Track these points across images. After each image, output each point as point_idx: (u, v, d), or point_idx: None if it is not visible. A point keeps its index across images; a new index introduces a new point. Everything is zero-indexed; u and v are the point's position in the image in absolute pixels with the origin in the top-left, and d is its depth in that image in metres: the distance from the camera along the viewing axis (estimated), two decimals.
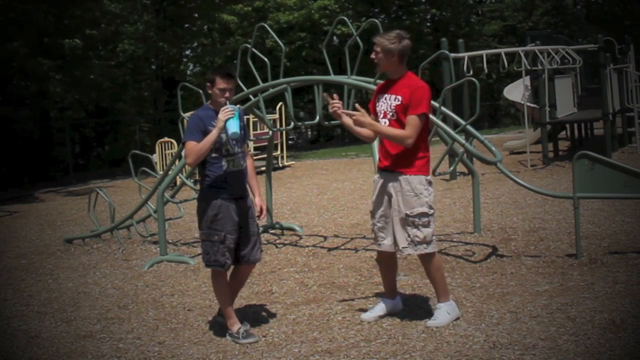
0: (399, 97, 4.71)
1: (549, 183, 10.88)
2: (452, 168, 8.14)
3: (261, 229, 8.32)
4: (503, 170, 6.39)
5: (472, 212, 7.74)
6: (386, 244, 4.90)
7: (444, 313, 4.80)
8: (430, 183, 4.80)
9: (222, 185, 4.81)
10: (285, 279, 6.37)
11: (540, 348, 4.18)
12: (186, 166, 8.30)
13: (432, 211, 4.77)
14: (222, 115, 4.70)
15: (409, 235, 4.73)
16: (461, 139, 6.59)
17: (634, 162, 11.64)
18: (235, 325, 4.83)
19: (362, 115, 4.72)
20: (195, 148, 4.71)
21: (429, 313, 5.01)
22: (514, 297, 5.24)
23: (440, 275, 4.88)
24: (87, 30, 19.18)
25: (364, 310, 5.15)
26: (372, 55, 4.79)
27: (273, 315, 5.29)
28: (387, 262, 5.07)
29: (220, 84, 4.77)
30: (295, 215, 9.77)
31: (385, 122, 4.78)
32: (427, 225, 4.73)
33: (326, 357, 4.35)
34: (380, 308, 5.05)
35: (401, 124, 4.70)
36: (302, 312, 5.31)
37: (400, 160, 4.75)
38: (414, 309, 5.15)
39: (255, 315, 5.32)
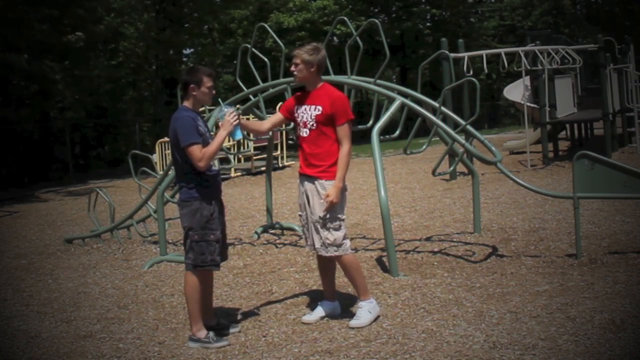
0: (319, 108, 4.89)
1: (549, 183, 10.88)
2: (452, 168, 8.15)
3: (261, 229, 8.34)
4: (503, 170, 6.39)
5: (472, 212, 7.74)
6: (311, 245, 5.05)
7: (365, 312, 4.94)
8: (344, 189, 4.94)
9: (212, 185, 4.85)
10: (285, 279, 6.37)
11: (540, 348, 4.18)
12: None
13: (343, 216, 4.93)
14: (231, 119, 4.82)
15: (321, 237, 4.90)
16: (461, 139, 6.59)
17: (634, 162, 11.65)
18: (203, 331, 4.77)
19: (329, 196, 4.79)
20: (209, 151, 4.73)
21: (429, 313, 5.01)
22: (514, 297, 5.24)
23: (358, 275, 5.02)
24: (90, 25, 19.17)
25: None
26: (292, 68, 4.99)
27: (273, 315, 5.29)
28: (323, 264, 5.16)
29: (208, 82, 4.84)
30: (295, 215, 9.76)
31: (305, 132, 4.93)
32: (338, 229, 4.89)
33: (326, 357, 4.35)
34: (320, 310, 5.14)
35: (321, 133, 4.88)
36: (302, 312, 5.31)
37: (317, 166, 4.90)
38: (414, 308, 5.15)
39: (255, 315, 5.32)
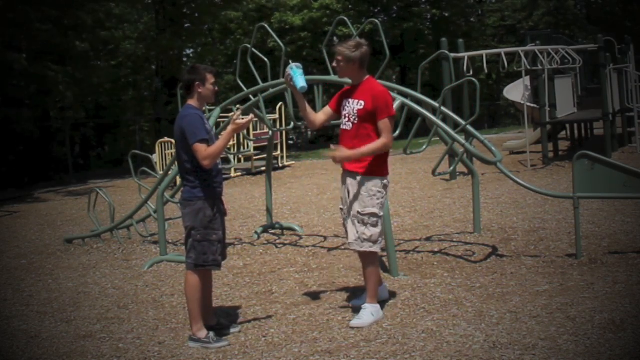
0: (362, 102, 4.98)
1: (549, 183, 10.88)
2: (452, 168, 8.13)
3: (261, 229, 8.34)
4: (503, 170, 6.39)
5: (472, 212, 7.74)
6: None
7: (368, 314, 4.97)
8: (385, 186, 5.05)
9: (215, 184, 4.85)
10: (285, 279, 6.37)
11: (540, 348, 4.18)
12: None
13: (381, 213, 5.03)
14: (240, 119, 4.83)
15: (357, 232, 4.98)
16: (461, 139, 6.59)
17: (634, 162, 11.64)
18: (203, 331, 4.76)
19: (339, 151, 4.98)
20: (214, 150, 4.73)
21: (429, 313, 5.01)
22: (514, 297, 5.24)
23: (375, 277, 5.08)
24: (97, 30, 19.20)
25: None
26: (334, 64, 5.12)
27: (273, 315, 5.29)
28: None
29: (212, 79, 4.90)
30: (295, 215, 9.77)
31: (348, 125, 5.03)
32: (375, 225, 4.99)
33: (326, 357, 4.35)
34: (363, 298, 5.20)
35: (361, 128, 4.96)
36: (302, 312, 5.31)
37: (358, 162, 4.98)
38: (414, 309, 5.15)
39: (255, 315, 5.32)
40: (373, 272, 5.05)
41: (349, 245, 5.10)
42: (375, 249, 5.01)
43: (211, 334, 4.75)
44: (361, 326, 4.85)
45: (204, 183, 4.79)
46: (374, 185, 4.97)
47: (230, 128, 4.86)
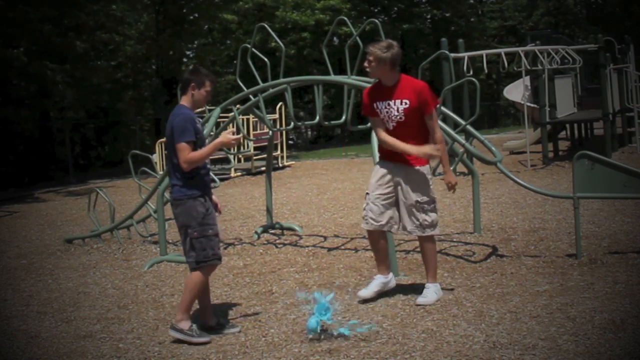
0: (406, 101, 5.11)
1: (549, 183, 10.88)
2: (452, 168, 8.13)
3: (261, 229, 8.34)
4: (503, 170, 6.39)
5: (472, 212, 7.74)
6: (381, 221, 5.25)
7: (432, 293, 5.25)
8: (429, 172, 5.36)
9: (203, 182, 4.87)
10: (285, 279, 6.37)
11: (540, 348, 4.18)
12: None
13: (435, 197, 5.31)
14: (224, 139, 4.88)
15: (417, 219, 5.21)
16: (461, 139, 6.59)
17: (634, 162, 11.65)
18: (187, 323, 4.78)
19: (447, 177, 5.37)
20: (196, 156, 4.74)
21: (429, 313, 5.01)
22: (514, 297, 5.24)
23: (434, 257, 5.37)
24: (97, 32, 19.24)
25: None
26: (365, 64, 5.20)
27: (273, 315, 5.29)
28: (376, 240, 5.37)
29: (208, 86, 4.90)
30: (295, 215, 9.77)
31: (392, 125, 5.19)
32: (434, 210, 5.28)
33: (326, 357, 4.35)
34: (375, 284, 5.37)
35: (409, 125, 5.15)
36: (302, 312, 5.30)
37: (409, 154, 5.19)
38: (414, 309, 5.15)
39: (255, 315, 5.32)
40: (433, 252, 5.32)
41: (409, 232, 5.26)
42: (436, 231, 5.29)
43: (194, 326, 4.76)
44: (427, 303, 5.12)
45: (192, 181, 4.81)
46: (426, 172, 5.25)
47: (218, 140, 4.90)
